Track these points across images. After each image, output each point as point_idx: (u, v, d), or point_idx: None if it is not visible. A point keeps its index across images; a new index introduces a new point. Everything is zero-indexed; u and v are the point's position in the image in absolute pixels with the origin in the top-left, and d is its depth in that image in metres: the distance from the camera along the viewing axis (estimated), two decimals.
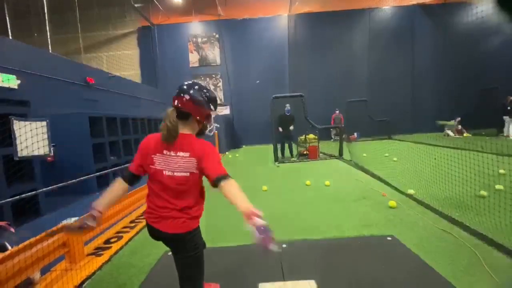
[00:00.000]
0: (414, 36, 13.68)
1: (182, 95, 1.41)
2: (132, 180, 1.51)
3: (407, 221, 3.14)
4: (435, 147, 7.13)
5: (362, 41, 13.76)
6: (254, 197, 4.60)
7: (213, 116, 1.51)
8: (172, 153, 1.39)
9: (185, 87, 1.44)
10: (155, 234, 1.47)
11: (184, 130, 1.43)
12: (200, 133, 1.54)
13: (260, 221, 1.22)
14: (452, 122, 11.47)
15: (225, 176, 1.31)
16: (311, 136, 8.65)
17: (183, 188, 1.40)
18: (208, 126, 1.54)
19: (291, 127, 8.33)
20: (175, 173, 1.38)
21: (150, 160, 1.42)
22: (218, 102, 13.86)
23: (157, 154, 1.41)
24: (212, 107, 1.49)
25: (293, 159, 8.39)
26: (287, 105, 8.43)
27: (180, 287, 1.53)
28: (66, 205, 4.44)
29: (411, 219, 3.20)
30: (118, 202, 3.58)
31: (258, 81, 13.62)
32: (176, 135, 1.38)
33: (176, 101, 1.42)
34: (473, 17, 5.23)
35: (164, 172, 1.39)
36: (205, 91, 1.46)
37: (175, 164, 1.38)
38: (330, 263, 2.37)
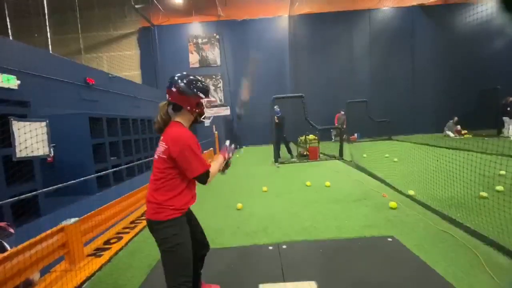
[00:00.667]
0: (414, 37, 13.68)
1: (170, 87, 1.48)
2: None
3: (408, 222, 3.13)
4: (435, 148, 7.13)
5: (363, 41, 13.77)
6: (254, 197, 4.60)
7: (204, 103, 1.54)
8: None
9: (175, 78, 1.50)
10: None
11: (181, 120, 1.53)
12: (195, 122, 1.61)
13: (225, 154, 1.72)
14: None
15: (203, 176, 1.46)
16: (311, 136, 8.63)
17: (158, 172, 1.46)
18: (202, 115, 1.58)
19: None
20: (156, 155, 1.49)
21: None
22: (218, 102, 13.96)
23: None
24: (201, 94, 1.52)
25: (293, 159, 8.39)
26: (276, 106, 8.39)
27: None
28: (66, 206, 4.44)
29: (411, 220, 3.20)
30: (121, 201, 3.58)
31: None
32: (164, 127, 1.50)
33: (167, 95, 1.51)
34: (473, 17, 5.22)
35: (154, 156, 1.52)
36: (194, 82, 1.50)
37: (158, 148, 1.49)
38: (330, 264, 2.36)
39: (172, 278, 1.46)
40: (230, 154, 1.72)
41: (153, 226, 1.47)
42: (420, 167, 4.85)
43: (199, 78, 1.55)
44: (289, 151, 8.66)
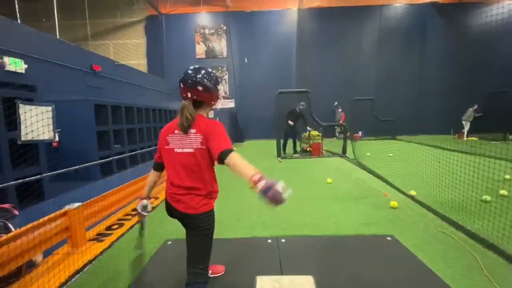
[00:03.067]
0: (425, 36, 13.41)
1: (195, 86, 1.47)
2: (158, 167, 1.69)
3: (408, 222, 3.13)
4: (440, 149, 7.06)
5: (372, 38, 13.53)
6: (254, 191, 4.61)
7: (221, 94, 1.62)
8: (183, 133, 1.47)
9: (198, 77, 1.48)
10: (171, 210, 1.57)
11: (200, 113, 1.52)
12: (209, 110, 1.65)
13: (261, 184, 1.22)
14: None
15: (228, 151, 1.32)
16: (315, 133, 8.60)
17: (192, 165, 1.47)
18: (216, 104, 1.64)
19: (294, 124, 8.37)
20: (184, 150, 1.47)
21: (165, 142, 1.53)
22: (223, 95, 13.94)
23: (170, 135, 1.51)
24: (219, 87, 1.58)
25: (296, 155, 8.38)
26: (302, 103, 8.43)
27: (187, 264, 1.57)
28: (69, 191, 4.50)
29: (411, 220, 3.19)
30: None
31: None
32: (191, 125, 1.45)
33: (189, 93, 1.48)
34: (487, 19, 5.09)
35: (175, 149, 1.49)
36: (214, 76, 1.54)
37: (184, 141, 1.47)
38: (328, 260, 2.38)
39: (203, 261, 1.56)
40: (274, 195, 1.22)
41: (195, 217, 1.50)
42: (423, 168, 4.81)
43: (213, 71, 1.58)
44: (295, 147, 8.67)
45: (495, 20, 4.94)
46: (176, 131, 1.48)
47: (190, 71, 1.50)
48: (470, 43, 11.79)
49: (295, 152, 8.60)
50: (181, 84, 1.50)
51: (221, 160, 1.33)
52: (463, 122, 11.31)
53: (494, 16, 5.00)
